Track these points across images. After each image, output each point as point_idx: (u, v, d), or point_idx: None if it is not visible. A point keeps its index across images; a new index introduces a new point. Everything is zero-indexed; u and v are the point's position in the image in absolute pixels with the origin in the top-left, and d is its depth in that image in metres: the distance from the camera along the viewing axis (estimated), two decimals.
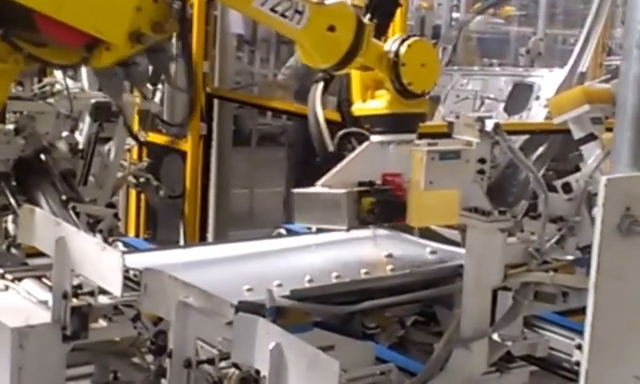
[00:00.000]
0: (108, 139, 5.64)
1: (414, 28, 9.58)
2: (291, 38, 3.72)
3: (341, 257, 3.78)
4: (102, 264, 3.15)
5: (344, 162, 3.68)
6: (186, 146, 7.06)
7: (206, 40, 7.16)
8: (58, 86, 5.34)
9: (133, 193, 7.29)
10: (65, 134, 5.43)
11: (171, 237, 7.12)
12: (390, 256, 3.85)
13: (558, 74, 8.22)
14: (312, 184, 3.57)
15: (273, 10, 3.49)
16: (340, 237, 4.12)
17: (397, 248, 3.98)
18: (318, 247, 3.97)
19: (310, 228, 4.13)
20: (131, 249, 3.96)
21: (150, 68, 4.34)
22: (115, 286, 3.11)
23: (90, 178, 5.50)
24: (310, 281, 3.40)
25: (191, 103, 4.67)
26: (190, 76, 4.34)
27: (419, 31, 9.70)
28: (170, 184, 6.91)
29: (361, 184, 3.53)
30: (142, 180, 6.44)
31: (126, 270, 3.30)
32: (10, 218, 5.43)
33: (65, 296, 3.23)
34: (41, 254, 3.55)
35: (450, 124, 3.44)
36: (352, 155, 3.69)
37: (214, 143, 7.40)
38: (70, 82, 5.48)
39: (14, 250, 5.39)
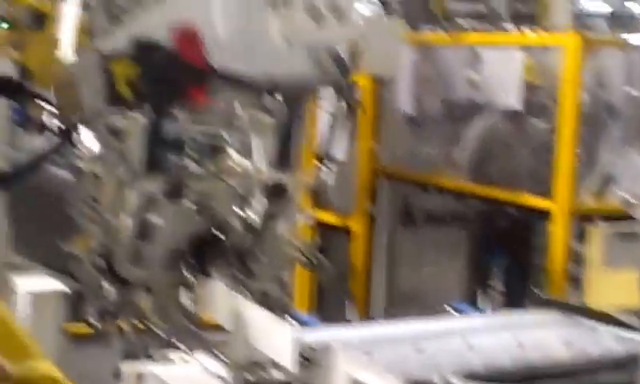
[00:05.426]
0: (279, 217, 5.74)
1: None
2: None
3: (515, 340, 3.71)
4: (275, 338, 3.21)
5: None
6: (354, 224, 7.13)
7: (375, 119, 7.26)
8: (232, 165, 5.47)
9: (302, 270, 7.39)
10: (238, 211, 5.56)
11: (338, 315, 7.17)
12: (566, 341, 3.76)
13: None
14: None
15: None
16: (514, 320, 4.06)
17: (574, 332, 3.88)
18: (489, 329, 3.93)
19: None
20: (302, 325, 4.01)
21: None
22: (288, 360, 3.16)
23: (261, 256, 5.60)
24: (482, 363, 3.36)
25: None
26: None
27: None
28: (338, 262, 6.98)
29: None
30: (310, 258, 6.51)
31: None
32: (188, 293, 5.58)
33: (240, 368, 3.29)
34: (216, 329, 3.64)
35: (629, 204, 3.31)
36: None
37: (382, 222, 7.44)
38: (244, 161, 5.62)
39: (188, 324, 5.53)
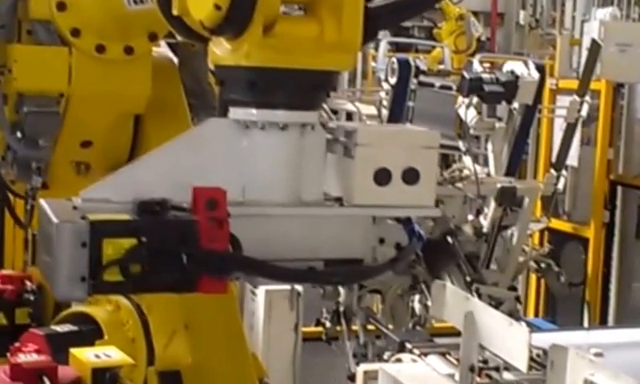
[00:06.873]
0: (510, 224, 5.74)
1: None
2: None
3: None
4: (508, 339, 3.22)
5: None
6: (589, 233, 7.01)
7: (612, 127, 7.13)
8: (466, 172, 5.52)
9: (533, 277, 7.34)
10: (470, 217, 5.60)
11: (570, 323, 7.07)
12: None
13: None
14: None
15: None
16: None
17: None
18: None
19: None
20: (533, 329, 4.00)
21: None
22: (521, 361, 3.16)
23: (492, 262, 5.61)
24: None
25: None
26: None
27: None
28: (571, 271, 6.88)
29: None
30: (542, 265, 6.47)
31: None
32: (417, 297, 5.66)
33: (472, 369, 3.32)
34: (443, 334, 3.69)
35: None
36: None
37: (617, 232, 7.28)
38: (477, 168, 5.66)
39: (418, 328, 5.62)
